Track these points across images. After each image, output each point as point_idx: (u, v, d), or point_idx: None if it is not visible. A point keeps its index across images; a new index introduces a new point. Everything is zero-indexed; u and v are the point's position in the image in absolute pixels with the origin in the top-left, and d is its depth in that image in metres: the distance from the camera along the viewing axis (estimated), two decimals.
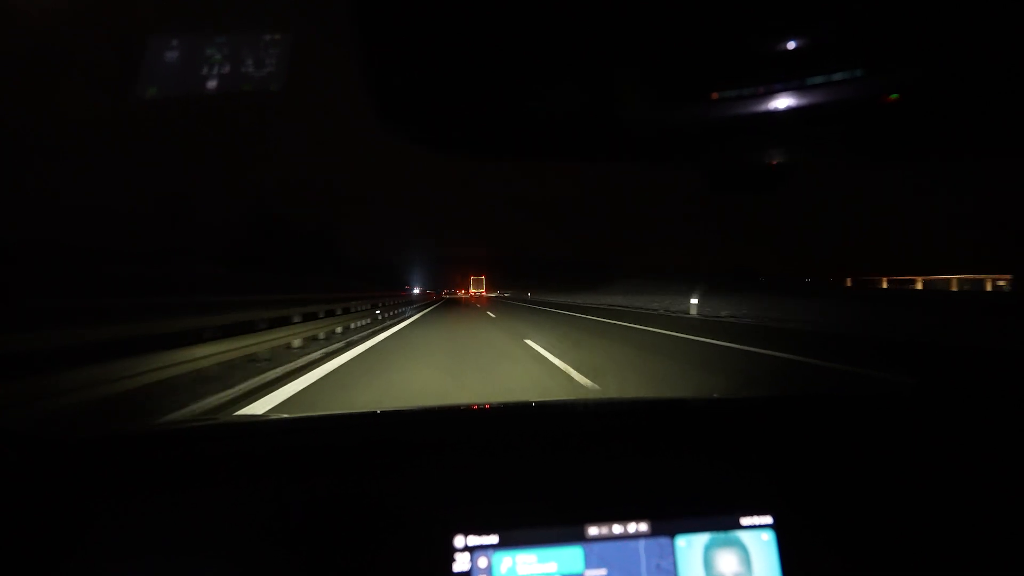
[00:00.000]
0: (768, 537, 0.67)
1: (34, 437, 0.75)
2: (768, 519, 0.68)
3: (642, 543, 0.66)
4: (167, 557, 0.62)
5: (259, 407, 3.86)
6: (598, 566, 0.65)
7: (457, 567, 0.63)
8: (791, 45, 0.58)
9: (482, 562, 0.64)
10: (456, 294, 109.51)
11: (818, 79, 0.60)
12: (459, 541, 0.64)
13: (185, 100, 1.12)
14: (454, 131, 0.56)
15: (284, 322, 7.09)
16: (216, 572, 0.61)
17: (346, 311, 10.94)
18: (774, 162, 0.65)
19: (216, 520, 0.66)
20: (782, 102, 0.60)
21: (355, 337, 8.70)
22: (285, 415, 1.17)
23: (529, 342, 7.87)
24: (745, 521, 0.68)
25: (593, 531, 0.66)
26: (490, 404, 1.01)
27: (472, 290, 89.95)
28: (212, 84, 1.11)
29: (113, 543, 0.63)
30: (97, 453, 0.76)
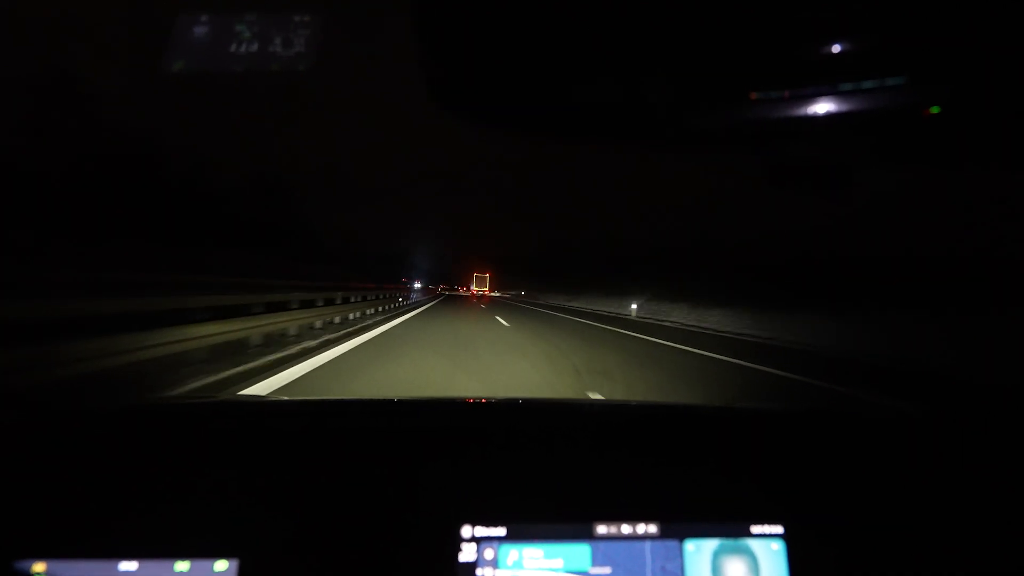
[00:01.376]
0: (778, 547, 0.67)
1: (40, 404, 0.76)
2: (779, 529, 0.67)
3: (649, 544, 0.66)
4: (172, 526, 0.62)
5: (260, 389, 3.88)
6: (604, 564, 0.64)
7: (463, 557, 0.63)
8: (834, 49, 0.57)
9: (488, 553, 0.64)
10: (458, 291, 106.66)
11: (858, 85, 0.60)
12: (466, 531, 0.64)
13: (211, 76, 1.12)
14: (502, 107, 0.56)
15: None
16: (217, 545, 0.61)
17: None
18: (838, 163, 0.65)
19: (218, 495, 0.65)
20: (821, 107, 0.60)
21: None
22: (297, 397, 1.17)
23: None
24: (756, 529, 0.67)
25: (601, 530, 0.66)
26: (505, 399, 1.01)
27: (475, 287, 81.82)
28: (240, 62, 1.11)
29: (117, 515, 0.63)
30: (102, 425, 0.76)
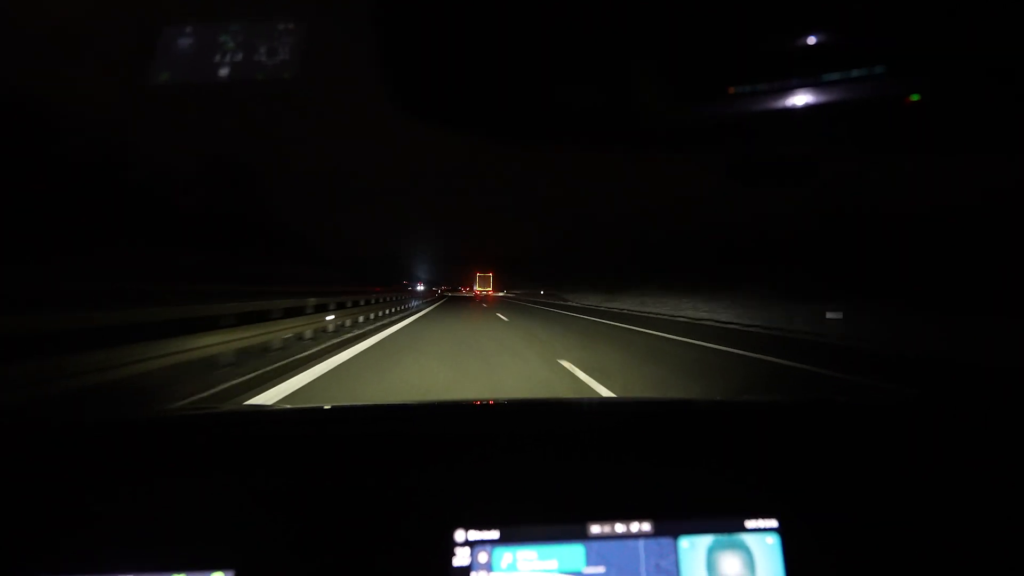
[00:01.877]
0: (773, 540, 0.66)
1: (40, 420, 0.76)
2: (773, 522, 0.67)
3: (642, 543, 0.65)
4: (169, 539, 0.62)
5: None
6: (597, 564, 0.64)
7: (457, 561, 0.63)
8: (811, 41, 0.57)
9: (482, 557, 0.63)
10: (461, 292, 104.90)
11: (837, 76, 0.59)
12: (460, 535, 0.64)
13: (197, 87, 1.12)
14: (469, 112, 0.56)
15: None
16: (214, 556, 0.61)
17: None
18: (802, 155, 0.64)
19: (215, 505, 0.66)
20: (800, 98, 0.59)
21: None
22: (288, 405, 1.17)
23: None
24: (750, 524, 0.67)
25: (595, 529, 0.66)
26: (495, 400, 1.00)
27: (478, 288, 79.18)
28: (225, 71, 1.11)
29: (115, 529, 0.63)
30: (101, 438, 0.76)
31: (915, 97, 0.61)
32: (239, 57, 1.11)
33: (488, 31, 0.47)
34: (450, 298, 45.99)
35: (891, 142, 0.67)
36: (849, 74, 0.59)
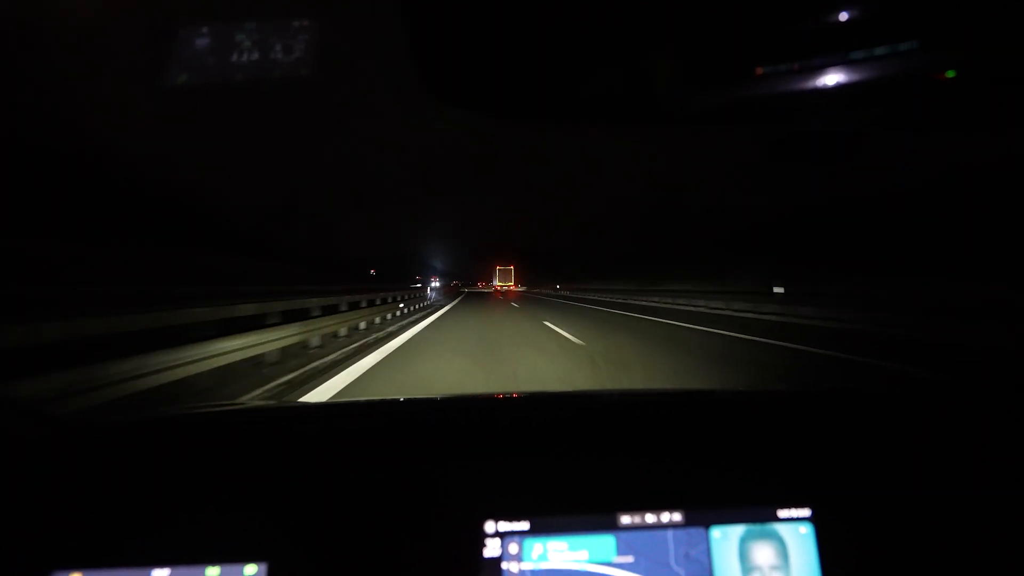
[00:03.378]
0: (806, 530, 0.66)
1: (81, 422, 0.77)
2: (806, 512, 0.66)
3: (671, 532, 0.65)
4: (202, 532, 0.63)
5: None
6: (627, 554, 0.64)
7: (488, 552, 0.63)
8: (841, 17, 0.56)
9: (513, 548, 0.63)
10: (479, 287, 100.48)
11: (867, 53, 0.58)
12: (490, 526, 0.64)
13: (215, 86, 1.13)
14: (505, 94, 0.56)
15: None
16: (246, 549, 0.62)
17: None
18: (843, 132, 0.63)
19: (247, 499, 0.67)
20: (830, 78, 0.58)
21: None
22: (321, 400, 1.19)
23: None
24: (782, 514, 0.66)
25: (625, 520, 0.65)
26: (524, 393, 1.01)
27: (498, 283, 72.25)
28: (242, 70, 1.12)
29: (149, 522, 0.64)
30: (136, 435, 0.77)
31: (951, 73, 0.59)
32: (255, 56, 1.12)
33: (522, 14, 0.47)
34: (467, 294, 45.31)
35: (926, 120, 0.65)
36: (879, 51, 0.57)
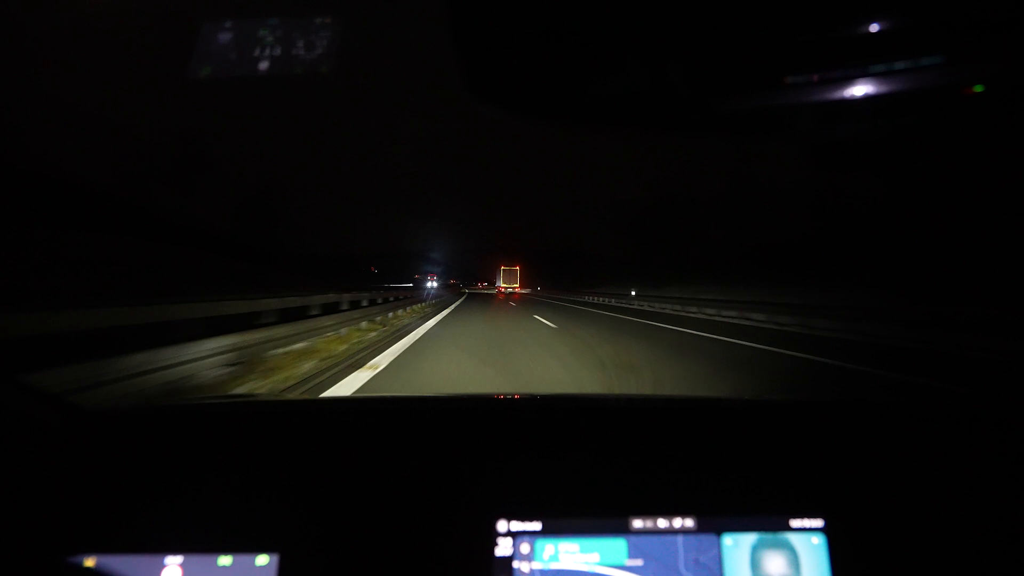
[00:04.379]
0: (819, 540, 0.65)
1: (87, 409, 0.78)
2: (819, 522, 0.66)
3: (681, 537, 0.65)
4: (216, 522, 0.64)
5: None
6: (636, 557, 0.64)
7: (499, 551, 0.63)
8: (871, 29, 0.56)
9: (524, 548, 0.64)
10: (478, 287, 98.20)
11: (893, 66, 0.58)
12: (502, 526, 0.64)
13: (237, 80, 1.14)
14: (536, 96, 0.56)
15: None
16: (259, 540, 0.62)
17: None
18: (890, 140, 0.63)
19: (261, 491, 0.67)
20: (857, 89, 0.58)
21: None
22: (338, 395, 1.20)
23: None
24: (795, 523, 0.66)
25: (637, 524, 0.65)
26: (540, 395, 1.01)
27: (502, 284, 65.87)
28: (263, 65, 1.12)
29: (165, 512, 0.65)
30: (151, 425, 0.78)
31: (979, 88, 0.59)
32: (277, 51, 1.12)
33: (557, 20, 0.47)
34: (467, 295, 44.34)
35: (952, 134, 0.65)
36: (906, 65, 0.57)
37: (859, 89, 0.57)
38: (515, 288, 64.13)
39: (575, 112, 0.59)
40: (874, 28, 0.55)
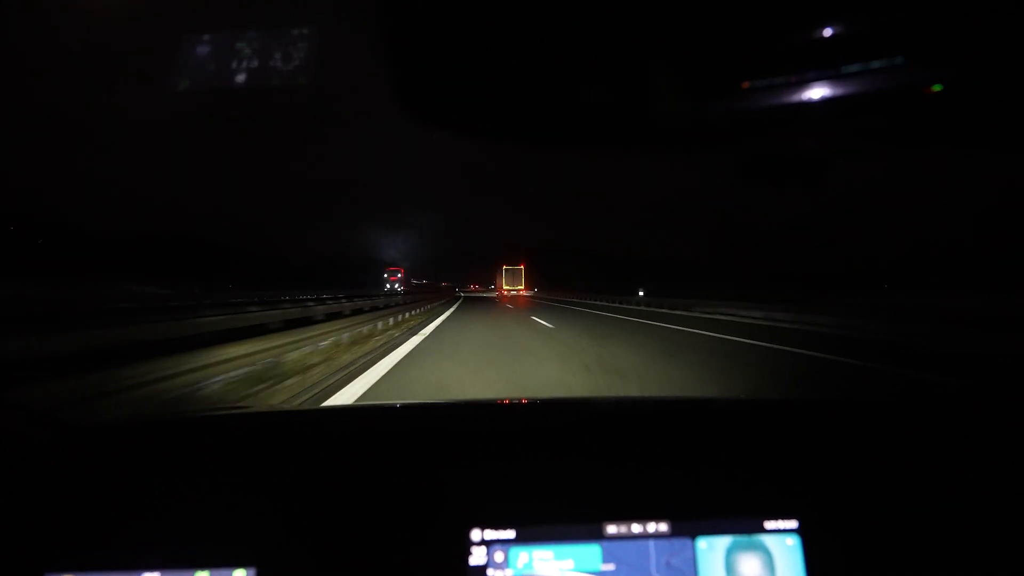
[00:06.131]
0: (793, 542, 0.65)
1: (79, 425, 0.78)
2: (794, 523, 0.66)
3: (653, 541, 0.65)
4: (192, 537, 0.64)
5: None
6: (608, 562, 0.64)
7: (473, 560, 0.63)
8: (827, 32, 0.56)
9: (498, 556, 0.64)
10: (472, 289, 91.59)
11: (855, 68, 0.58)
12: (476, 535, 0.64)
13: (215, 92, 1.14)
14: (480, 117, 0.55)
15: None
16: (236, 554, 0.62)
17: None
18: (813, 153, 0.63)
19: (236, 504, 0.67)
20: (816, 92, 0.58)
21: None
22: (308, 407, 1.20)
23: None
24: (769, 525, 0.66)
25: (612, 529, 0.65)
26: (511, 399, 1.01)
27: (505, 287, 60.50)
28: (242, 77, 1.13)
29: (140, 527, 0.65)
30: (127, 439, 0.78)
31: (937, 87, 0.59)
32: (255, 63, 1.13)
33: (497, 33, 0.47)
34: (464, 298, 40.41)
35: (912, 136, 0.65)
36: (867, 65, 0.58)
37: (816, 92, 0.57)
38: (519, 290, 59.64)
39: (524, 132, 0.58)
40: (829, 32, 0.55)
